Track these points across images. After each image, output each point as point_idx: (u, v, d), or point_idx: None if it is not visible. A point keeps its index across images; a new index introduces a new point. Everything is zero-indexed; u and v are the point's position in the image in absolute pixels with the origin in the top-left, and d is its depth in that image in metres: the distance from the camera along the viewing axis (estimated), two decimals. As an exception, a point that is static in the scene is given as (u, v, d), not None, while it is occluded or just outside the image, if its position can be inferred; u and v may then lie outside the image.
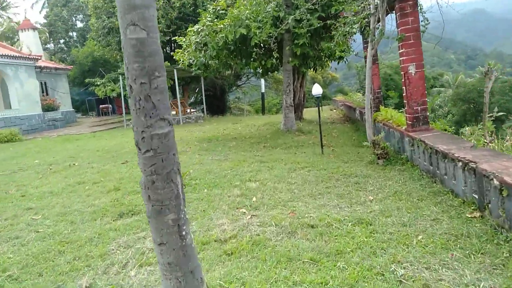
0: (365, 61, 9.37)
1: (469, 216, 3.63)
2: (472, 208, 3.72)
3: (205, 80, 25.56)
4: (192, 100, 33.64)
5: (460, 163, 3.97)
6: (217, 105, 29.96)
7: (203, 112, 24.90)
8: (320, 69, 13.02)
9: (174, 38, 11.64)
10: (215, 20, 10.84)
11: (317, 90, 7.66)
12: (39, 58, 22.59)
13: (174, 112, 20.29)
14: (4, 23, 37.83)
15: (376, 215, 3.94)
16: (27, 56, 21.22)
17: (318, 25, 9.67)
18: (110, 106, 30.57)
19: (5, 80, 20.62)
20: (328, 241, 3.42)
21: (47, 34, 40.72)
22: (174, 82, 23.25)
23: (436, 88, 43.69)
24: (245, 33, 9.64)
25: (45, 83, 25.79)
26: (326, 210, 4.29)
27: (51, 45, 43.18)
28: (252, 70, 19.35)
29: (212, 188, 5.67)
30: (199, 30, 10.62)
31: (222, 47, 10.28)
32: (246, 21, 9.84)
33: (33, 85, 21.61)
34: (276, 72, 13.12)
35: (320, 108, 21.35)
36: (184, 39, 11.28)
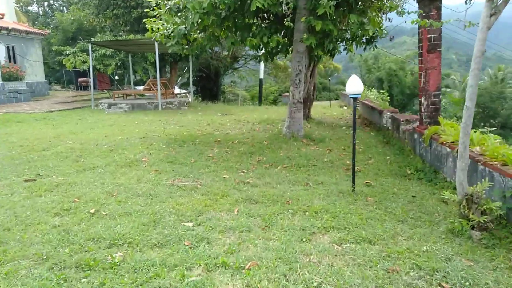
0: (419, 46, 6.28)
1: None
2: None
3: (197, 59, 22.16)
4: (184, 80, 30.20)
5: None
6: (210, 89, 26.66)
7: (194, 95, 21.63)
8: (338, 54, 9.74)
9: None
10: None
11: (354, 86, 4.54)
12: (0, 17, 18.97)
13: (152, 94, 17.02)
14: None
15: None
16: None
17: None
18: (91, 80, 27.21)
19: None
20: None
21: (29, -6, 36.69)
22: (163, 58, 19.85)
23: (442, 89, 40.68)
24: (243, -9, 6.44)
25: (13, 48, 22.21)
26: None
27: (33, 8, 39.07)
28: (250, 50, 16.05)
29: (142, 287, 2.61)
30: (177, -18, 7.35)
31: (210, 11, 7.05)
32: (247, -27, 6.62)
33: (-11, 48, 18.13)
34: (281, 54, 9.82)
35: (329, 103, 18.22)
36: (155, -3, 7.97)
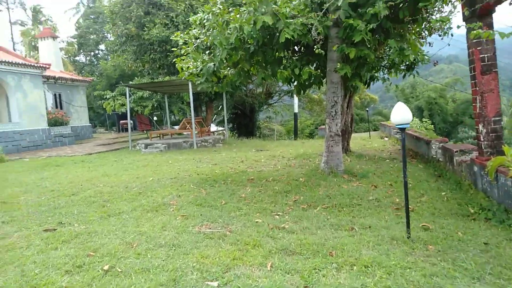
0: (470, 68, 5.60)
1: None
2: None
3: (232, 97, 22.31)
4: (221, 118, 30.55)
5: None
6: (245, 125, 26.65)
7: (230, 132, 21.61)
8: (375, 82, 9.10)
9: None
10: (230, 8, 7.38)
11: (401, 115, 3.93)
12: (47, 67, 20.23)
13: (188, 133, 17.08)
14: (33, 32, 36.80)
15: None
16: (33, 64, 18.88)
17: (387, 13, 6.06)
18: (132, 121, 28.22)
19: (6, 90, 18.31)
20: None
21: (76, 46, 39.60)
22: (198, 98, 20.18)
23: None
24: (270, 24, 6.13)
25: (59, 95, 23.65)
26: None
27: (80, 58, 41.97)
28: (283, 84, 15.78)
29: None
30: (204, 20, 7.22)
31: (238, 46, 6.81)
32: (274, 5, 6.35)
33: (38, 97, 19.20)
34: (314, 86, 9.33)
35: (369, 135, 17.34)
36: (181, 35, 7.89)
